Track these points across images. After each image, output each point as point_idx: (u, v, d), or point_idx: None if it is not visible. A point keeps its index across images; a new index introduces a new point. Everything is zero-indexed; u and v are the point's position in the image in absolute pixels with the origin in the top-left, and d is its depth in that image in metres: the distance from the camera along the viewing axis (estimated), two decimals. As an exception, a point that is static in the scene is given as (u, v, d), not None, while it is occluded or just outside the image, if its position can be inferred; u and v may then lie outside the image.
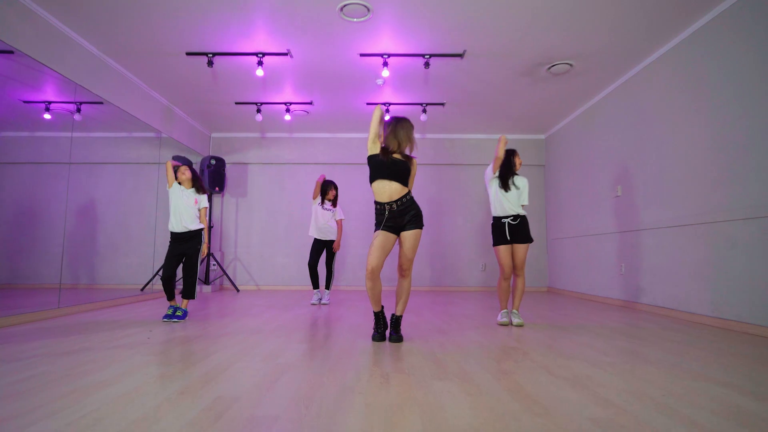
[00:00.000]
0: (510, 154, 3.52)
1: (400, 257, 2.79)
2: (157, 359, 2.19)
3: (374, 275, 2.67)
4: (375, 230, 2.76)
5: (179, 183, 3.56)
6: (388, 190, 2.72)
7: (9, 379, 1.81)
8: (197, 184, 3.62)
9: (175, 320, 3.43)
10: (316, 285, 4.90)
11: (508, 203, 3.44)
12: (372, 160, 2.76)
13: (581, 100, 5.49)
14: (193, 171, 3.62)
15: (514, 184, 3.48)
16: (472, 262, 6.94)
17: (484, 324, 3.45)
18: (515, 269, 3.49)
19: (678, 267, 3.87)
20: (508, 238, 3.43)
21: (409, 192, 2.78)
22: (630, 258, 4.63)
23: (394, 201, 2.71)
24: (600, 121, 5.33)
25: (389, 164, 2.71)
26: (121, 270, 5.50)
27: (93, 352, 2.34)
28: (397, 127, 2.77)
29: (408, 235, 2.74)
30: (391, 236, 2.73)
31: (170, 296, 3.48)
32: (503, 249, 3.45)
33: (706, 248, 3.54)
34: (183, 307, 3.55)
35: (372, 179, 2.77)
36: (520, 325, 3.37)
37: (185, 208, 3.53)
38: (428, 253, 6.89)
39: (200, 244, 3.55)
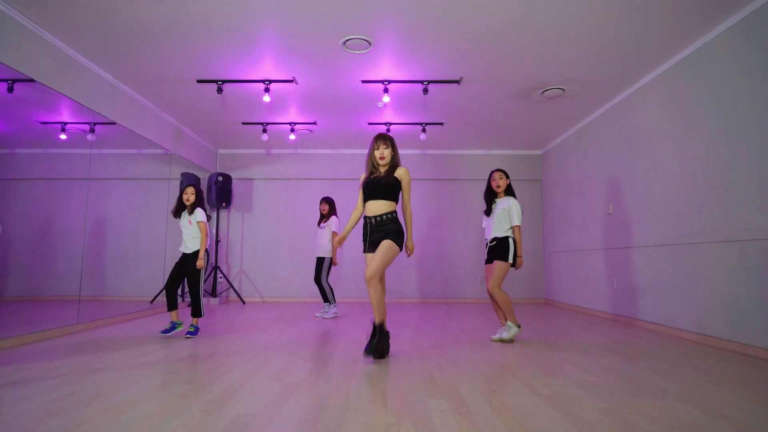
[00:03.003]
0: (490, 176, 3.73)
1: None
2: (176, 378, 2.39)
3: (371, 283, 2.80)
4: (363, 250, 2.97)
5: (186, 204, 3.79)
6: (374, 207, 2.92)
7: (45, 399, 2.02)
8: (194, 205, 3.78)
9: (187, 336, 3.64)
10: (325, 299, 5.15)
11: (491, 227, 3.66)
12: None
13: (575, 119, 5.70)
14: (197, 193, 3.81)
15: (496, 208, 3.67)
16: (470, 275, 7.13)
17: (477, 339, 3.64)
18: (487, 287, 3.64)
19: (666, 285, 4.06)
20: (487, 259, 3.68)
21: (395, 211, 2.95)
22: (621, 274, 4.82)
23: (374, 216, 2.91)
24: (593, 140, 5.53)
25: (372, 183, 2.93)
26: (132, 282, 5.71)
27: (115, 371, 2.54)
28: (372, 146, 3.03)
29: (380, 245, 2.85)
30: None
31: (170, 307, 3.69)
32: (486, 269, 3.68)
33: (692, 268, 3.73)
34: (194, 323, 3.76)
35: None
36: (502, 340, 3.51)
37: (185, 231, 3.77)
38: (428, 266, 7.09)
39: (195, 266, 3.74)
